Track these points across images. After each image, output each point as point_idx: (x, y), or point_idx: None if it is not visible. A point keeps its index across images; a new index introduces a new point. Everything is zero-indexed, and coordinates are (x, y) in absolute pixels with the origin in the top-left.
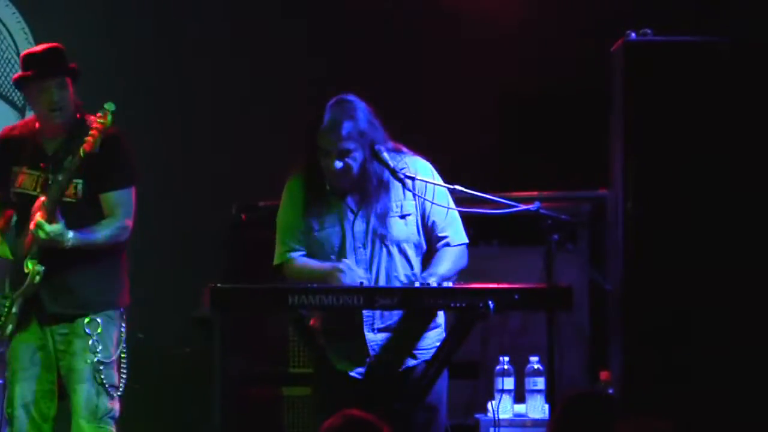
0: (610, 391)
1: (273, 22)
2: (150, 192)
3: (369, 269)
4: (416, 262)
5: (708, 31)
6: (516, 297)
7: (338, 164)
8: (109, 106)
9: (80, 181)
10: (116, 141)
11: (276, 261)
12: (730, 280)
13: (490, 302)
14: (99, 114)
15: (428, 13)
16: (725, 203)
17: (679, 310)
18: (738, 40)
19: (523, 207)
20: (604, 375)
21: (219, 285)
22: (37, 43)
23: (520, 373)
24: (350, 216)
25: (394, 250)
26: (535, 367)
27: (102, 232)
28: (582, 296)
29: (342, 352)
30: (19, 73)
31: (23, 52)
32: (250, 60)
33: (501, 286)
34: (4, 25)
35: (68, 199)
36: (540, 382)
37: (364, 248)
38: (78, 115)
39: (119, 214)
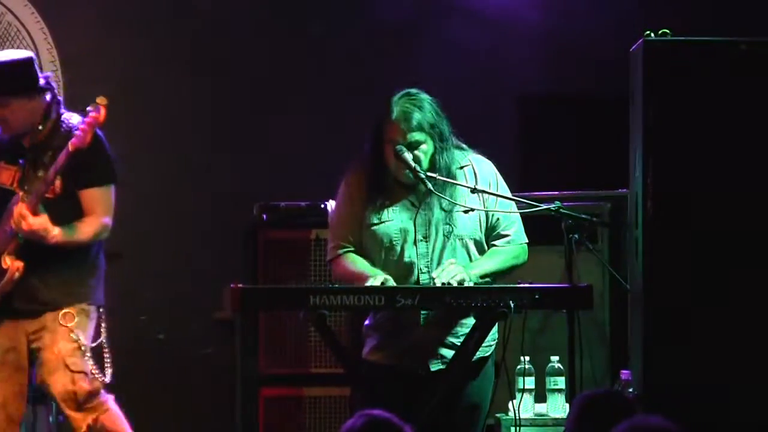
0: (630, 390)
1: (300, 25)
2: (170, 192)
3: (430, 262)
4: (476, 257)
5: (727, 32)
6: (536, 296)
7: (408, 156)
8: (101, 101)
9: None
10: (95, 137)
11: (328, 257)
12: (750, 280)
13: (510, 301)
14: (90, 108)
15: (447, 14)
16: (745, 202)
17: (699, 310)
18: (757, 41)
19: (543, 206)
20: (624, 375)
21: (240, 286)
22: (56, 43)
23: (540, 372)
24: (413, 209)
25: (457, 243)
26: (556, 366)
27: (84, 230)
28: (602, 296)
29: (396, 348)
30: None
31: None
32: (275, 61)
33: (521, 285)
34: (23, 24)
35: (48, 196)
36: (561, 382)
37: (426, 241)
38: (54, 113)
39: (99, 212)
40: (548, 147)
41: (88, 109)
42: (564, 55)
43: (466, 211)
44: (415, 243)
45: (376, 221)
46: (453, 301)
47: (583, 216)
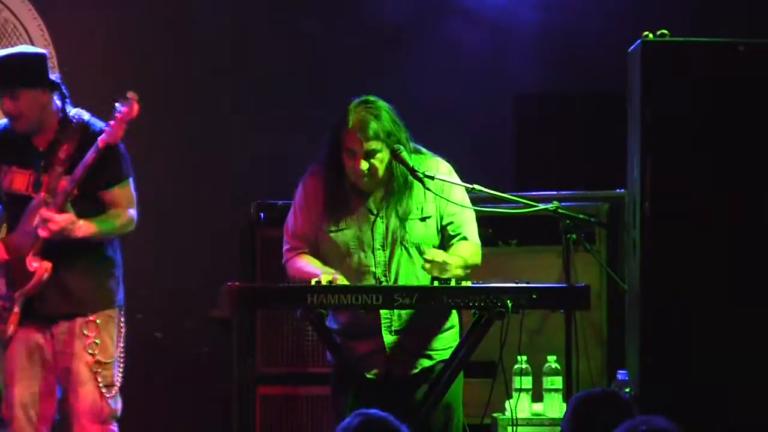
0: (626, 390)
1: (291, 23)
2: (168, 191)
3: (388, 271)
4: None
5: (724, 33)
6: (534, 296)
7: (364, 165)
8: (132, 95)
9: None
10: None
11: (284, 259)
12: (747, 280)
13: (507, 301)
14: (121, 102)
15: (445, 14)
16: (741, 203)
17: (697, 310)
18: (754, 41)
19: (541, 206)
20: (621, 375)
21: (238, 284)
22: (53, 40)
23: (537, 372)
24: (370, 217)
25: (414, 251)
26: (553, 366)
27: (110, 223)
28: (600, 296)
29: (360, 353)
30: None
31: None
32: (274, 60)
33: (519, 285)
34: (20, 21)
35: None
36: (558, 382)
37: (383, 249)
38: (62, 113)
39: (125, 206)
40: (545, 147)
41: (117, 104)
42: (561, 54)
43: (422, 219)
44: (372, 251)
45: (333, 229)
46: (451, 300)
47: (581, 216)
